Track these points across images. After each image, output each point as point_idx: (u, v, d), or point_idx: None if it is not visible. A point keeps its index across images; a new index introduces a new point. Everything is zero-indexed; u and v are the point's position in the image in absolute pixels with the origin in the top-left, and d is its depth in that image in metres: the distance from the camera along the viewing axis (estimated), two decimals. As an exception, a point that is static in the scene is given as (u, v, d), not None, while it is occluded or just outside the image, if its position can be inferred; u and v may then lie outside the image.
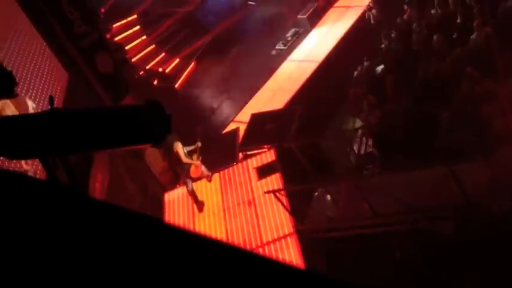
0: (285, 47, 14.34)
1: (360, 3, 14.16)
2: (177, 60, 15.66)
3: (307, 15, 14.62)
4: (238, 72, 14.52)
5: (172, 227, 1.10)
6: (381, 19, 12.87)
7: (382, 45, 11.68)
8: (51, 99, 2.91)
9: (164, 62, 15.61)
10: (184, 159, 9.85)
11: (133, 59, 15.29)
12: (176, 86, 14.96)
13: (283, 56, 14.11)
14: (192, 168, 10.01)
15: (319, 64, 13.14)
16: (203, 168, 10.24)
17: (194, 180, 10.31)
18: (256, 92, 13.28)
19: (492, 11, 10.16)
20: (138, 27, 16.26)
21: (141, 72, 15.16)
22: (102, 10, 15.87)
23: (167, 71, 15.33)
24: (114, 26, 15.69)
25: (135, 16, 16.31)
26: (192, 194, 10.15)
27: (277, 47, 14.47)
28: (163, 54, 15.85)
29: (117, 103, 10.65)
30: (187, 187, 10.12)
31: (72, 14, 10.23)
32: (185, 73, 15.31)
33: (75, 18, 10.29)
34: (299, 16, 14.86)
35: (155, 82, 15.18)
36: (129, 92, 11.50)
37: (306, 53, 13.81)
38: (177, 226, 1.11)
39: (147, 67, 15.34)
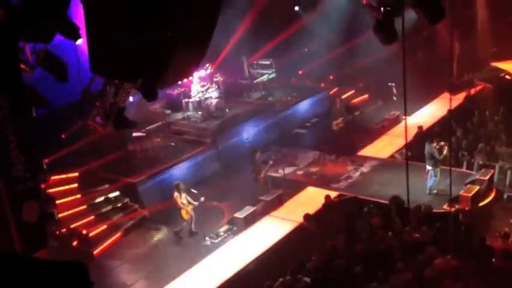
0: (215, 241, 14.38)
1: (296, 219, 14.70)
2: (105, 226, 15.33)
3: (244, 215, 15.00)
4: (163, 254, 14.25)
5: None
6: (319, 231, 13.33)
7: (308, 264, 11.86)
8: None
9: (90, 226, 15.23)
10: (180, 205, 14.12)
11: (61, 215, 14.87)
12: (95, 252, 14.40)
13: (211, 248, 14.08)
14: (183, 212, 14.30)
15: (244, 267, 13.14)
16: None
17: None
18: (177, 277, 12.94)
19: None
20: (76, 185, 16.18)
21: (64, 230, 14.63)
22: (46, 160, 15.87)
23: (90, 235, 14.87)
24: (53, 177, 15.54)
25: (76, 174, 16.33)
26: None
27: (207, 239, 14.47)
28: (92, 217, 15.55)
29: (30, 254, 10.04)
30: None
31: (16, 158, 10.09)
32: (108, 241, 14.87)
33: (18, 162, 10.13)
34: (236, 215, 15.21)
35: (74, 243, 14.58)
36: (45, 247, 10.94)
37: (233, 252, 13.85)
38: None
39: (72, 226, 14.88)
